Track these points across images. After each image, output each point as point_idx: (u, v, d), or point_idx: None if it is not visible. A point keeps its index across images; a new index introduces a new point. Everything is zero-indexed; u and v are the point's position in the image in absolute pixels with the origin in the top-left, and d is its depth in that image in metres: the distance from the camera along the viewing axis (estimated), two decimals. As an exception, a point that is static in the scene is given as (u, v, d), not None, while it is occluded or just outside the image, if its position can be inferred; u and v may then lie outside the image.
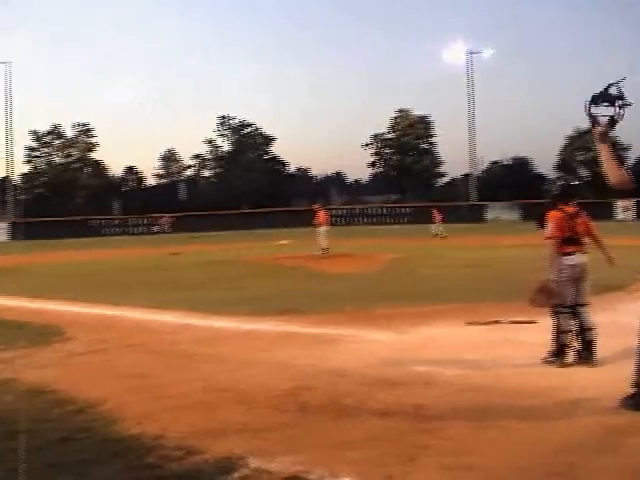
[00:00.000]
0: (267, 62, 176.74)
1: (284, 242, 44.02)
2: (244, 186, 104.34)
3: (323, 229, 36.09)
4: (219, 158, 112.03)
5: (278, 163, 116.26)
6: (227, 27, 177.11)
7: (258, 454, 6.91)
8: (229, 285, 23.14)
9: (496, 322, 13.91)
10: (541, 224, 10.67)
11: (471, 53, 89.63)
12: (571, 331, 10.35)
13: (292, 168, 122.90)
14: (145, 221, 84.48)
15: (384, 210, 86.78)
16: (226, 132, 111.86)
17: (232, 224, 75.45)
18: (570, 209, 10.55)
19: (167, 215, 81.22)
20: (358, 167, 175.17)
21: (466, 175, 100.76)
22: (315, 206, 38.96)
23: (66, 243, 59.26)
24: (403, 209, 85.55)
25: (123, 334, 14.48)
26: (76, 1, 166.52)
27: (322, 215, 36.89)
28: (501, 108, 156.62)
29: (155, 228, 79.03)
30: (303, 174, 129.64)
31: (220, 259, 35.32)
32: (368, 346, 12.44)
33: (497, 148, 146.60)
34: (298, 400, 8.90)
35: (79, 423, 8.17)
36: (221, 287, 22.62)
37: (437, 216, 53.68)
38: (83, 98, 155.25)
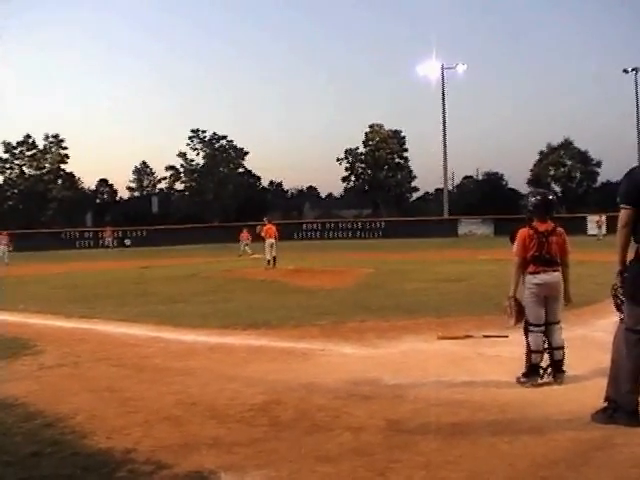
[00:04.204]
0: (239, 75, 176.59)
1: (257, 256, 43.94)
2: (217, 200, 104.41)
3: (269, 242, 38.66)
4: (192, 171, 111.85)
5: (251, 177, 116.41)
6: (201, 38, 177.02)
7: (230, 469, 6.89)
8: (200, 299, 23.07)
9: (468, 336, 13.91)
10: (512, 240, 10.63)
11: (445, 68, 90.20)
12: (543, 350, 10.29)
13: (265, 182, 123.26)
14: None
15: (357, 224, 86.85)
16: (198, 145, 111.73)
17: (204, 238, 75.50)
18: (544, 226, 10.41)
19: (110, 228, 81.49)
20: (332, 181, 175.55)
21: (439, 190, 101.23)
22: (265, 220, 42.15)
23: (37, 256, 59.00)
24: (376, 223, 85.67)
25: (94, 347, 14.40)
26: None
27: (269, 229, 39.42)
28: (474, 124, 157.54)
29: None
30: (276, 188, 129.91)
31: (191, 273, 35.32)
32: (340, 360, 12.41)
33: (470, 163, 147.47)
34: (269, 415, 8.87)
35: (49, 437, 8.10)
36: (192, 301, 22.55)
37: (245, 235, 54.66)
38: (54, 109, 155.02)
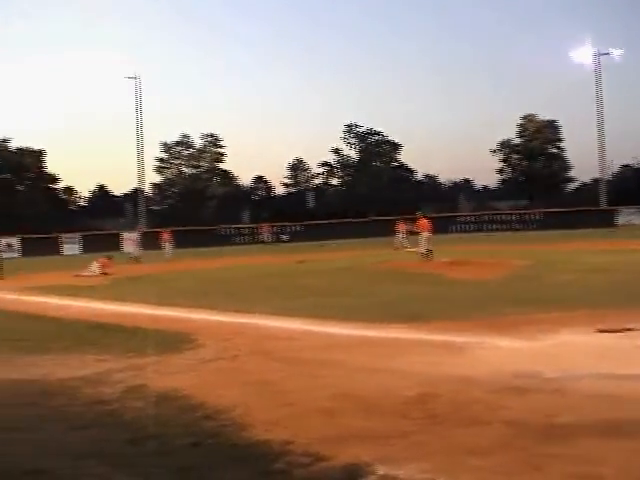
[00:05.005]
0: (391, 69, 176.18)
1: (413, 249, 43.80)
2: (372, 194, 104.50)
3: (424, 235, 38.52)
4: (346, 166, 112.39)
5: (406, 170, 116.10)
6: (354, 35, 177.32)
7: (385, 461, 6.92)
8: (354, 292, 23.21)
9: (628, 330, 13.54)
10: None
11: (599, 54, 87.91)
12: None
13: (420, 175, 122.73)
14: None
15: (513, 216, 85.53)
16: (353, 140, 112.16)
17: (359, 231, 75.56)
18: None
19: (268, 224, 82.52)
20: (486, 173, 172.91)
21: (596, 180, 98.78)
22: (418, 213, 42.55)
23: (196, 252, 60.09)
24: (532, 215, 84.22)
25: (251, 341, 14.68)
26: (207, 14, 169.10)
27: (423, 222, 39.44)
28: (631, 110, 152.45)
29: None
30: (431, 181, 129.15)
31: (346, 266, 35.42)
32: (496, 353, 12.32)
33: (628, 152, 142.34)
34: (424, 407, 8.88)
35: (209, 428, 8.34)
36: (347, 294, 22.68)
37: (402, 226, 54.50)
38: (211, 109, 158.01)
